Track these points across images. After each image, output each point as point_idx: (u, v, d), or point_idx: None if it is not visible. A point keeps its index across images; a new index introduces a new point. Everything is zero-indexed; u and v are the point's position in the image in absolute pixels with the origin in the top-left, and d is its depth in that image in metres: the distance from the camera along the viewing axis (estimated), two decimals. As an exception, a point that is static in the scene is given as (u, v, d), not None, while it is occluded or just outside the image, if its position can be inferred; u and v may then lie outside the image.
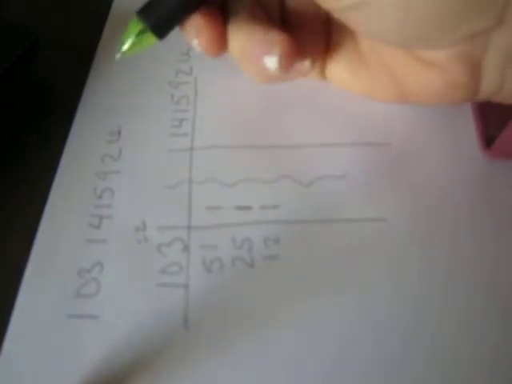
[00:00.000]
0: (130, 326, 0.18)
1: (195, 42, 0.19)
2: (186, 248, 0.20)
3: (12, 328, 0.18)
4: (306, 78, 0.21)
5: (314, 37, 0.20)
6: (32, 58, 0.25)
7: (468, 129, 0.22)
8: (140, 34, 0.17)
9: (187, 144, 0.23)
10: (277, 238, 0.20)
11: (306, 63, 0.18)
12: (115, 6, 0.29)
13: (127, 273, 0.19)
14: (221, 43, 0.19)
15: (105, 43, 0.27)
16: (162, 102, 0.24)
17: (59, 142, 0.23)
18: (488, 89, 0.17)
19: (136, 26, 0.17)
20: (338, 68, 0.21)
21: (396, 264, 0.19)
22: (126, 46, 0.17)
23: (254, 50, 0.18)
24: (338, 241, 0.19)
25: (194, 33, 0.19)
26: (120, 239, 0.20)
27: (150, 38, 0.18)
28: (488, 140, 0.21)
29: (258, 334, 0.17)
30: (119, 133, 0.23)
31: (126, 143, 0.23)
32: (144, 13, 0.17)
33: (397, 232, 0.19)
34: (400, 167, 0.21)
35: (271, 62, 0.18)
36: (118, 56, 0.18)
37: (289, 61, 0.18)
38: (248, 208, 0.20)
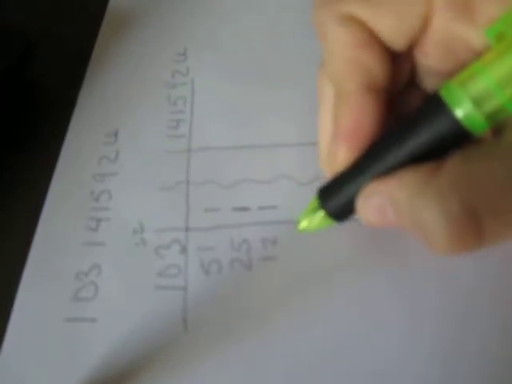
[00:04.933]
0: (129, 329, 0.18)
1: None
2: (184, 250, 0.19)
3: (11, 331, 0.18)
4: None
5: None
6: (28, 62, 0.25)
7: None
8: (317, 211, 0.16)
9: (184, 145, 0.22)
10: (275, 238, 0.19)
11: None
12: (111, 7, 0.29)
13: (125, 275, 0.19)
14: None
15: (101, 45, 0.27)
16: (159, 103, 0.24)
17: (56, 144, 0.23)
18: None
19: (314, 204, 0.17)
20: None
21: (395, 264, 0.19)
22: (303, 225, 0.17)
23: None
24: (336, 241, 0.19)
25: None
26: (118, 242, 0.20)
27: (329, 221, 0.17)
28: None
29: (257, 336, 0.17)
30: (116, 134, 0.23)
31: (122, 145, 0.23)
32: (323, 195, 0.16)
33: (395, 231, 0.19)
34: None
35: None
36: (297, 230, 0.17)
37: None
38: (246, 209, 0.20)
